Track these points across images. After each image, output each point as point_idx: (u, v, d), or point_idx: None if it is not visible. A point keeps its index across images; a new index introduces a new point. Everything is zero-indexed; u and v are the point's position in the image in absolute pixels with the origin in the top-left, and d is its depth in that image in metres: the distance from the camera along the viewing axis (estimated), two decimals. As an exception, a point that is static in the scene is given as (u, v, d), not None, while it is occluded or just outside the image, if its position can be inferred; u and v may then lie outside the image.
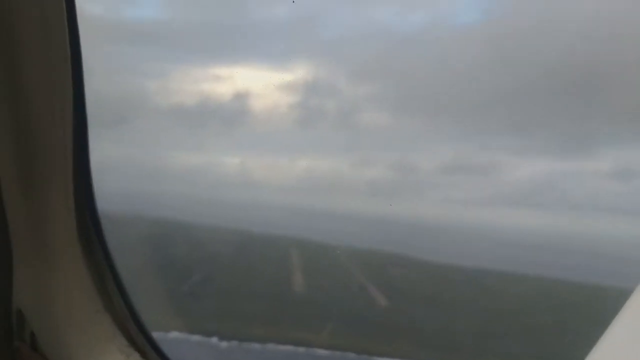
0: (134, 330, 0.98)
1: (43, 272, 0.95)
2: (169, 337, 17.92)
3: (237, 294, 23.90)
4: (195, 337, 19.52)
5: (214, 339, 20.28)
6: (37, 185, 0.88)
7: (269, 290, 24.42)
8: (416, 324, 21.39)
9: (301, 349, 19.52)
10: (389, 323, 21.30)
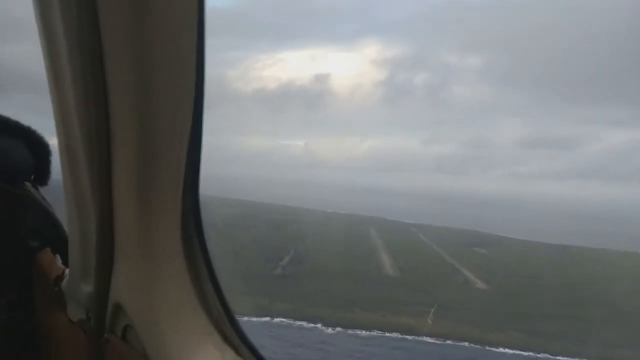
0: (229, 329, 0.96)
1: (145, 268, 0.95)
2: (273, 323, 18.24)
3: (329, 275, 24.08)
4: (299, 323, 19.77)
5: (319, 325, 20.49)
6: (149, 186, 0.88)
7: (360, 273, 24.48)
8: (525, 309, 20.76)
9: (409, 338, 19.33)
10: (495, 308, 20.82)
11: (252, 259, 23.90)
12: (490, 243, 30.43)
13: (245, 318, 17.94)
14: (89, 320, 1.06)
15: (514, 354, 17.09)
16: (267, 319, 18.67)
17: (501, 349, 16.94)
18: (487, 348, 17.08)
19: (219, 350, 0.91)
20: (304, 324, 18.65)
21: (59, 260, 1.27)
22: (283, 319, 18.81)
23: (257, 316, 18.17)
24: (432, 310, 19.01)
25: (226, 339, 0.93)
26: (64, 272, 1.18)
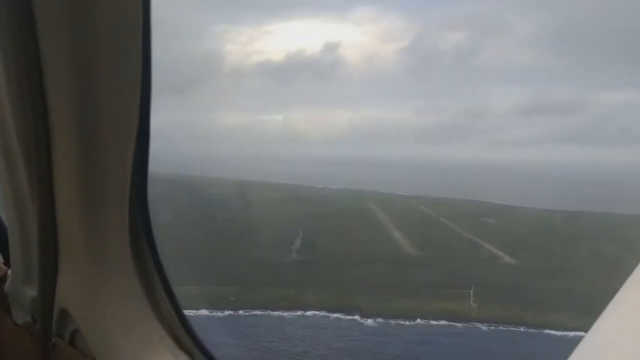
0: (182, 333, 0.94)
1: (92, 273, 0.96)
2: (307, 317, 16.93)
3: (349, 259, 22.90)
4: (335, 316, 18.62)
5: (357, 317, 19.34)
6: (93, 187, 0.88)
7: (380, 254, 23.39)
8: (568, 285, 20.02)
9: (459, 325, 18.41)
10: (536, 286, 20.08)
11: (262, 244, 22.74)
12: (494, 212, 29.95)
13: (277, 313, 16.98)
14: (34, 323, 1.04)
15: (575, 336, 16.38)
16: (300, 313, 17.61)
17: (560, 332, 16.35)
18: (546, 331, 16.49)
19: (172, 355, 0.88)
20: (341, 316, 17.55)
21: (0, 259, 1.21)
22: (316, 312, 17.72)
23: (288, 310, 17.14)
24: (471, 292, 18.30)
25: (179, 344, 0.89)
26: (6, 273, 1.13)
